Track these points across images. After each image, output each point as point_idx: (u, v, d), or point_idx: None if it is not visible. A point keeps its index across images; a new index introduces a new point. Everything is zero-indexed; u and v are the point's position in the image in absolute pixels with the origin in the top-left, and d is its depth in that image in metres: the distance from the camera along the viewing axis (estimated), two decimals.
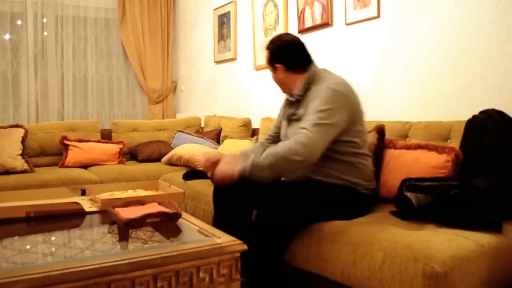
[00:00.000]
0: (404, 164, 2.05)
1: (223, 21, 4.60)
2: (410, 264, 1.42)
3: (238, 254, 1.40)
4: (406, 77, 2.66)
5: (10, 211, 1.69)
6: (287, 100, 2.21)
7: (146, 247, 1.37)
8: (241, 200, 2.06)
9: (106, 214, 1.80)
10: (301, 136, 1.80)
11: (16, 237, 1.54)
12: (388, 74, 2.78)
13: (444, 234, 1.52)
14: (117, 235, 1.53)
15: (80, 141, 3.85)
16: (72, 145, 3.79)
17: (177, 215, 1.62)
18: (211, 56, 4.85)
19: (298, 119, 2.06)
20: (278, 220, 1.81)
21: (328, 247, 1.72)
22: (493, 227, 1.52)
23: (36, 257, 1.31)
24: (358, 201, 1.96)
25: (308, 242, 1.82)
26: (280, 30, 3.70)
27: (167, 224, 1.60)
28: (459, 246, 1.43)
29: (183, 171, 3.37)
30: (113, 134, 4.24)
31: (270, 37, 3.78)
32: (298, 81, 2.06)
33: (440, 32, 2.46)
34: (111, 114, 5.55)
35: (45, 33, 5.10)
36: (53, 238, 1.55)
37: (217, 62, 4.75)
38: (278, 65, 2.09)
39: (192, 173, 3.11)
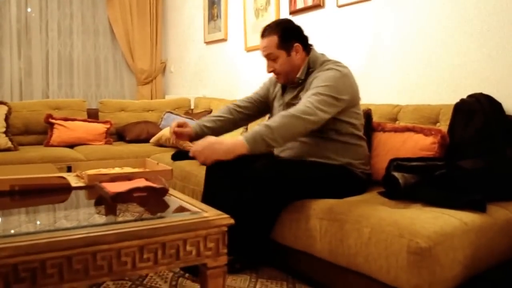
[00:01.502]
0: (392, 146, 2.07)
1: (214, 0, 4.54)
2: (396, 240, 1.44)
3: (225, 228, 1.39)
4: (397, 61, 2.66)
5: None
6: (283, 86, 2.17)
7: (133, 218, 1.36)
8: (234, 181, 2.06)
9: (92, 190, 1.79)
10: (307, 100, 1.81)
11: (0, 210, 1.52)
12: (379, 57, 2.77)
13: (430, 212, 1.54)
14: (103, 209, 1.52)
15: (66, 119, 3.80)
16: (58, 124, 3.74)
17: (164, 190, 1.61)
18: (201, 37, 4.79)
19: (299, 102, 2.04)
20: (266, 192, 1.82)
21: (317, 225, 1.74)
22: (478, 207, 1.55)
23: (21, 226, 1.29)
24: (352, 182, 1.98)
25: (296, 219, 1.84)
26: (271, 11, 3.66)
27: (154, 199, 1.59)
28: (444, 223, 1.45)
29: (171, 152, 3.36)
30: (100, 113, 4.19)
31: (261, 18, 3.83)
32: (303, 65, 2.05)
33: (431, 16, 2.46)
34: (97, 94, 5.46)
35: (29, 10, 4.98)
36: (38, 211, 1.53)
37: (207, 43, 4.69)
38: (296, 44, 2.03)
39: (181, 153, 3.09)
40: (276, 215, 1.91)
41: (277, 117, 1.75)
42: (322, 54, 2.10)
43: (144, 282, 1.91)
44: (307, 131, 1.81)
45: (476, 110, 1.89)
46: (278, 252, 1.99)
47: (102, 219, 1.41)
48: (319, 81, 1.89)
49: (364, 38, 2.88)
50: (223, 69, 4.46)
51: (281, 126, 1.71)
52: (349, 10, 2.98)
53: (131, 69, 5.55)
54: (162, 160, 3.07)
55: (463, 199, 1.55)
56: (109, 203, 1.54)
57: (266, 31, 2.06)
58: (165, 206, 1.57)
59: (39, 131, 3.82)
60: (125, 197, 1.52)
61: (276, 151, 2.14)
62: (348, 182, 1.97)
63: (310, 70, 2.03)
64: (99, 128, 3.88)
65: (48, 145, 3.66)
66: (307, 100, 1.82)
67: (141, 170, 2.08)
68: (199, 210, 1.44)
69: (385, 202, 1.74)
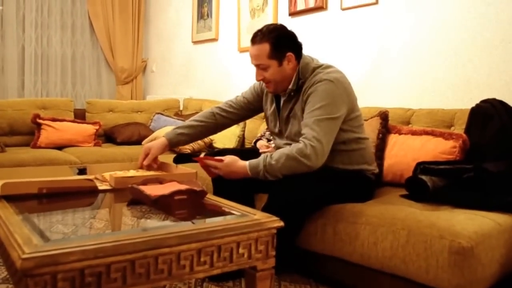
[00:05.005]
0: (409, 149, 2.12)
1: None
2: (436, 241, 1.48)
3: (275, 231, 1.40)
4: (405, 65, 2.71)
5: (22, 186, 1.59)
6: (277, 96, 2.09)
7: (191, 221, 1.34)
8: (242, 183, 2.05)
9: (119, 193, 1.75)
10: (310, 138, 1.79)
11: (53, 212, 1.50)
12: (386, 62, 2.81)
13: (463, 214, 1.60)
14: (145, 212, 1.49)
15: (54, 120, 3.66)
16: (46, 124, 3.60)
17: (204, 193, 1.59)
18: (189, 36, 4.72)
19: (295, 116, 1.99)
20: (292, 200, 1.82)
21: (347, 229, 1.76)
22: (509, 208, 1.62)
23: (86, 230, 1.26)
24: (364, 186, 2.01)
25: (322, 224, 1.85)
26: (269, 12, 3.65)
27: (193, 202, 1.57)
28: (481, 224, 1.52)
29: (167, 154, 3.30)
30: (87, 114, 4.07)
31: (257, 18, 3.82)
32: (294, 74, 1.97)
33: (441, 20, 2.52)
34: (73, 93, 5.27)
35: (0, 7, 4.73)
36: (89, 213, 1.49)
37: (195, 42, 4.64)
38: (289, 53, 1.93)
39: (182, 156, 3.06)
40: (301, 225, 1.92)
41: (283, 158, 1.79)
42: (312, 59, 2.01)
43: None
44: (312, 169, 1.83)
45: (492, 115, 1.98)
46: (300, 257, 2.00)
47: (157, 221, 1.38)
48: (314, 101, 1.84)
49: (370, 43, 2.91)
50: (212, 70, 4.42)
51: (284, 168, 1.79)
52: (354, 13, 2.99)
53: (111, 67, 5.40)
54: None
55: (494, 201, 1.63)
56: (150, 206, 1.51)
57: (258, 37, 1.94)
58: (206, 209, 1.56)
59: (25, 132, 3.67)
60: (167, 200, 1.50)
61: None
62: (360, 186, 2.00)
63: (301, 81, 1.95)
64: (89, 129, 3.76)
65: (35, 146, 3.52)
66: (309, 135, 1.79)
67: (162, 173, 2.05)
68: (247, 213, 1.44)
69: (413, 204, 1.79)
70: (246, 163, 1.86)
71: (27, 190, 1.60)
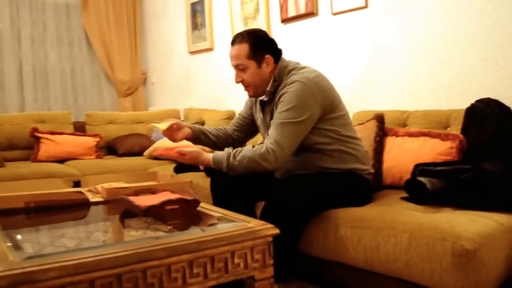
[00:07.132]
0: (408, 151, 2.07)
1: (196, 9, 4.42)
2: (438, 244, 1.43)
3: (271, 239, 1.35)
4: (398, 68, 2.67)
5: (7, 201, 1.56)
6: (261, 101, 2.09)
7: (181, 232, 1.30)
8: (241, 192, 2.02)
9: (112, 204, 1.71)
10: (272, 142, 1.81)
11: (35, 227, 1.46)
12: (379, 65, 2.78)
13: (465, 215, 1.55)
14: (136, 225, 1.45)
15: (52, 133, 3.65)
16: (44, 138, 3.59)
17: (196, 202, 1.55)
18: (185, 46, 4.69)
19: None
20: (290, 205, 1.79)
21: (348, 233, 1.72)
22: (510, 208, 1.56)
23: (65, 246, 1.22)
24: (361, 187, 1.96)
25: (324, 229, 1.81)
26: (261, 19, 3.62)
27: (186, 212, 1.53)
28: (483, 225, 1.46)
29: (169, 165, 3.27)
30: (87, 126, 4.05)
31: (250, 26, 3.78)
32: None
33: (434, 22, 2.48)
34: (75, 107, 5.22)
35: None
36: (71, 228, 1.45)
37: (192, 53, 4.60)
38: (268, 56, 1.95)
39: (183, 165, 3.01)
40: (301, 230, 1.89)
41: (245, 160, 1.84)
42: (290, 62, 2.01)
43: None
44: (272, 170, 1.93)
45: (487, 114, 1.93)
46: (305, 263, 1.95)
47: (144, 234, 1.34)
48: (284, 103, 1.85)
49: (362, 46, 2.88)
50: (211, 80, 4.39)
51: (246, 168, 1.85)
52: (345, 18, 2.97)
53: (111, 80, 5.36)
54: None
55: (495, 201, 1.57)
56: (141, 217, 1.47)
57: (237, 39, 1.97)
58: (199, 219, 1.52)
59: (24, 146, 3.66)
60: (157, 210, 1.46)
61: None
62: (358, 187, 1.95)
63: (276, 83, 1.95)
64: (89, 141, 3.75)
65: (35, 160, 3.50)
66: (272, 138, 1.83)
67: (159, 183, 2.01)
68: (241, 221, 1.40)
69: (413, 207, 1.73)
70: (210, 156, 1.93)
71: (13, 204, 1.57)
